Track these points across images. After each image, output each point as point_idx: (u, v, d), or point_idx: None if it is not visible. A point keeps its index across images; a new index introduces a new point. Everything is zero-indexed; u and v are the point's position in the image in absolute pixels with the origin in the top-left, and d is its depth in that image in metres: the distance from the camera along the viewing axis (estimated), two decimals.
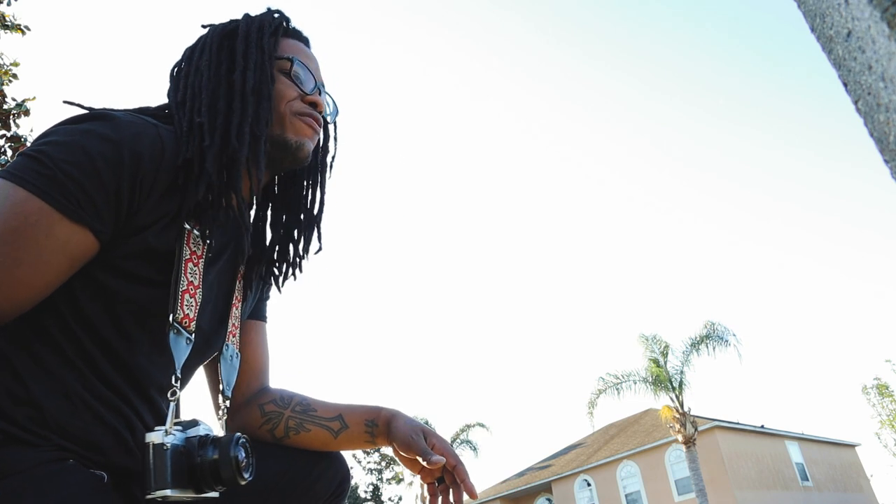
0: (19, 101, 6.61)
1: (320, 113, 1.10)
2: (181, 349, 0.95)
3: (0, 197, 0.81)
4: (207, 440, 0.90)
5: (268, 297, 1.30)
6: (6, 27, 6.72)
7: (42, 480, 0.80)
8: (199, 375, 1.17)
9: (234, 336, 1.14)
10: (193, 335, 0.97)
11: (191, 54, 1.06)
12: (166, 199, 0.92)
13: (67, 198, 0.82)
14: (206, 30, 1.10)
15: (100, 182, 0.84)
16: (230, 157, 0.96)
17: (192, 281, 0.96)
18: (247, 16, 1.10)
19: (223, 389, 1.10)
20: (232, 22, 1.09)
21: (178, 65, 1.08)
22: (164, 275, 0.94)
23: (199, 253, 0.98)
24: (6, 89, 6.57)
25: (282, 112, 1.05)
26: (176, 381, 0.94)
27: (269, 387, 1.24)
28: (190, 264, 0.96)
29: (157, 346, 0.96)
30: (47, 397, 0.86)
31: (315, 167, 1.20)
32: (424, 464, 1.07)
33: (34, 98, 6.72)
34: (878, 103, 0.54)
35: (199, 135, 0.95)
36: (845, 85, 0.62)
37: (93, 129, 0.86)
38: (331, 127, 1.23)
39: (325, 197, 1.22)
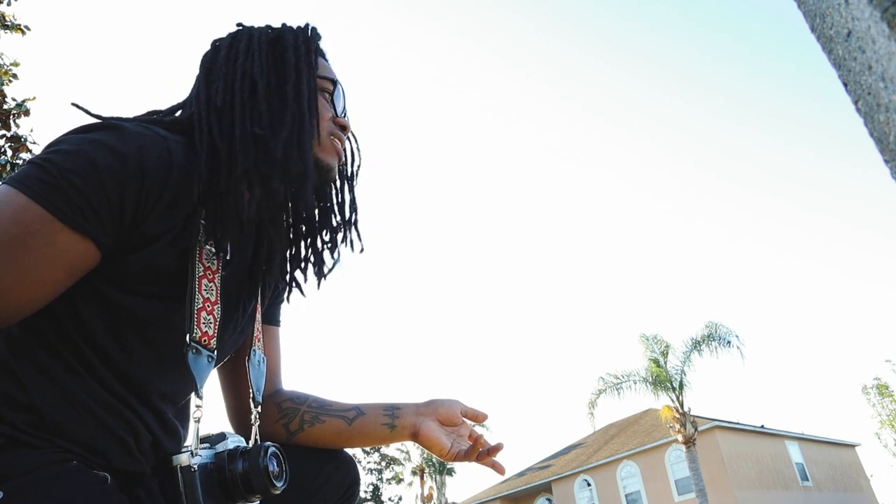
0: (19, 101, 6.62)
1: (347, 135, 1.11)
2: (202, 368, 0.94)
3: (2, 203, 0.81)
4: (237, 453, 0.89)
5: (282, 301, 1.28)
6: (6, 27, 6.72)
7: (46, 482, 0.80)
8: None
9: (258, 340, 1.14)
10: (216, 352, 0.96)
11: (227, 55, 1.02)
12: (172, 214, 0.91)
13: (70, 207, 0.82)
14: (238, 29, 1.07)
15: (104, 193, 0.83)
16: (285, 171, 0.95)
17: (208, 297, 0.95)
18: (289, 27, 1.09)
19: (253, 395, 1.10)
20: (274, 30, 1.07)
21: (208, 64, 1.03)
22: (169, 290, 0.92)
23: (213, 268, 0.96)
24: (6, 89, 6.57)
25: (320, 132, 1.03)
26: (200, 401, 0.93)
27: (283, 388, 1.24)
28: (205, 281, 0.94)
29: (158, 357, 0.94)
30: (49, 403, 0.86)
31: (342, 178, 1.18)
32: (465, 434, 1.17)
33: (34, 98, 6.73)
34: (878, 103, 0.54)
35: (259, 146, 0.94)
36: (845, 85, 0.62)
37: (100, 139, 0.85)
38: (351, 141, 1.21)
39: (357, 202, 1.19)
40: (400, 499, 33.26)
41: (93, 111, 0.92)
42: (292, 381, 1.26)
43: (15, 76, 6.72)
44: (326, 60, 1.13)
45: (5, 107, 6.49)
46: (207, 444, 0.89)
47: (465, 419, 1.19)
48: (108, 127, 0.88)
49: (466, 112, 55.73)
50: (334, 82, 1.10)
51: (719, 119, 48.49)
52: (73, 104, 0.91)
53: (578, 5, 55.27)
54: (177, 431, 1.02)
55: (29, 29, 6.88)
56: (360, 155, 1.22)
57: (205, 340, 0.94)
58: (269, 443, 0.91)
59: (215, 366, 1.05)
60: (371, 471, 32.99)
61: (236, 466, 0.87)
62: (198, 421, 0.91)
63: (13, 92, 6.64)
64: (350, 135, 1.17)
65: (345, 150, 1.12)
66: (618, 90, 48.98)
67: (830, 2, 0.60)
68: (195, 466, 0.83)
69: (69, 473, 0.83)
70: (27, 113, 6.58)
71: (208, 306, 0.95)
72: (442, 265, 55.86)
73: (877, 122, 0.56)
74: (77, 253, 0.83)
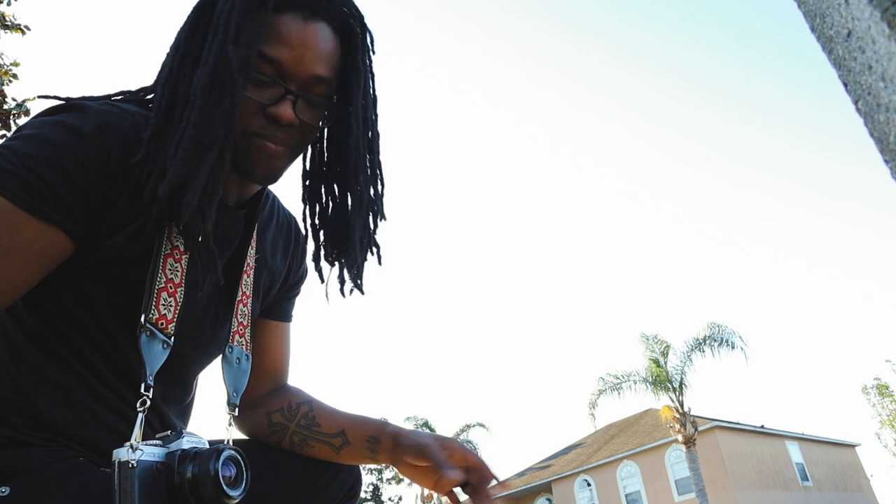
0: (19, 101, 6.61)
1: (287, 125, 0.88)
2: (155, 353, 0.87)
3: None
4: (188, 455, 0.80)
5: (296, 295, 1.23)
6: (6, 27, 6.72)
7: (52, 477, 0.80)
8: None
9: (240, 336, 1.05)
10: (172, 338, 0.89)
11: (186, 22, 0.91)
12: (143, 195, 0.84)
13: (31, 194, 0.77)
14: None
15: (66, 176, 0.78)
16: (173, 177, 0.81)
17: (171, 279, 0.89)
18: None
19: (229, 397, 1.01)
20: None
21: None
22: (141, 277, 0.87)
23: (182, 248, 0.90)
24: (6, 89, 6.57)
25: (237, 129, 0.86)
26: (147, 390, 0.85)
27: (286, 385, 1.19)
28: (170, 260, 0.88)
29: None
30: (48, 406, 0.85)
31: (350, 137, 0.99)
32: (438, 476, 0.98)
33: (34, 98, 6.71)
34: (878, 103, 0.54)
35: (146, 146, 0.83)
36: (845, 85, 0.62)
37: (61, 120, 0.81)
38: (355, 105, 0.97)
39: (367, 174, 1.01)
40: (400, 499, 33.28)
41: (60, 96, 0.86)
42: (296, 381, 1.23)
43: (15, 76, 6.72)
44: (305, 7, 0.88)
45: (5, 107, 6.49)
46: (159, 442, 0.81)
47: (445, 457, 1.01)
48: (71, 108, 0.83)
49: (465, 111, 55.74)
50: (271, 60, 0.86)
51: (719, 119, 48.53)
52: (41, 96, 0.86)
53: (578, 5, 55.30)
54: None
55: (29, 29, 6.88)
56: (362, 120, 0.99)
57: (161, 324, 0.87)
58: (225, 445, 0.82)
59: (193, 356, 1.01)
60: (371, 471, 32.96)
61: (185, 470, 0.78)
62: (143, 411, 0.83)
63: (13, 92, 6.65)
64: (306, 126, 0.93)
65: (282, 150, 0.91)
66: (619, 90, 49.02)
67: (830, 2, 0.60)
68: (134, 462, 0.75)
69: (75, 469, 0.82)
70: (27, 113, 6.57)
71: (170, 287, 0.89)
72: (442, 265, 55.87)
73: (877, 122, 0.56)
74: (45, 243, 0.79)
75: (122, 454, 0.76)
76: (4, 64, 6.69)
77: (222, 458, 0.80)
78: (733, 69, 49.18)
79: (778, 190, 46.77)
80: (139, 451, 0.77)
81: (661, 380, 17.47)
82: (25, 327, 0.87)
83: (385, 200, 1.05)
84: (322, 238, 1.04)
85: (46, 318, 0.87)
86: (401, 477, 31.70)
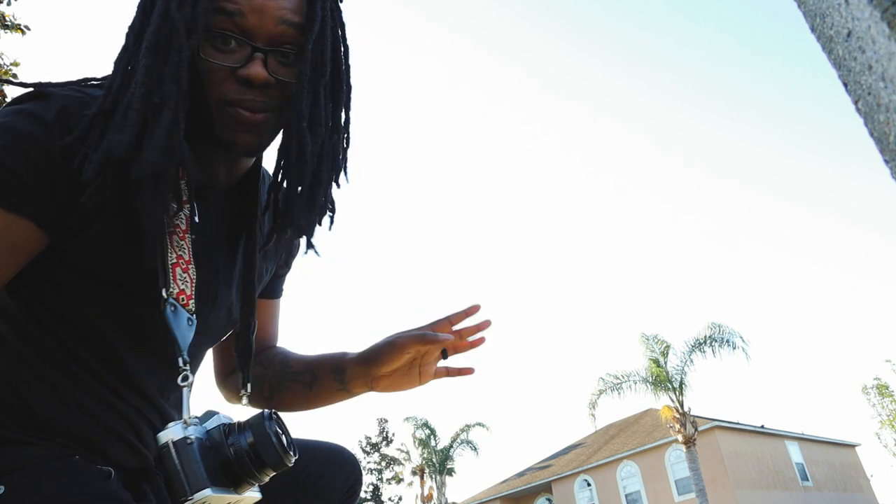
0: None
1: (262, 85, 0.83)
2: (183, 329, 0.84)
3: None
4: (234, 427, 0.79)
5: (286, 272, 1.22)
6: (6, 27, 6.72)
7: (48, 476, 0.79)
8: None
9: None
10: (196, 316, 0.87)
11: None
12: None
13: None
14: None
15: (30, 164, 0.77)
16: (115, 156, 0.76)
17: (181, 255, 0.86)
18: None
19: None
20: None
21: None
22: (131, 267, 0.85)
23: (183, 227, 0.87)
24: (6, 89, 6.57)
25: (211, 100, 0.83)
26: (185, 365, 0.83)
27: (275, 347, 1.21)
28: (175, 237, 0.86)
29: (141, 346, 0.89)
30: (43, 404, 0.84)
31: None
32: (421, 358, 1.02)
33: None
34: (878, 103, 0.54)
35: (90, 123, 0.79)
36: (845, 85, 0.62)
37: (24, 108, 0.80)
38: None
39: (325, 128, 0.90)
40: (400, 499, 33.25)
41: (26, 83, 0.85)
42: None
43: (15, 76, 6.73)
44: None
45: None
46: (197, 421, 0.79)
47: (430, 337, 1.03)
48: (35, 96, 0.82)
49: (465, 111, 55.76)
50: (231, 14, 0.81)
51: (720, 119, 48.54)
52: (4, 80, 0.86)
53: (579, 5, 55.35)
54: None
55: (29, 29, 6.89)
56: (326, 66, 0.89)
57: (182, 299, 0.84)
58: (268, 410, 0.81)
59: (208, 336, 1.00)
60: (371, 471, 32.97)
61: (239, 441, 0.77)
62: (188, 385, 0.81)
63: (13, 92, 6.64)
64: (284, 84, 0.86)
65: (272, 105, 0.85)
66: (619, 90, 49.04)
67: (830, 2, 0.60)
68: (192, 438, 0.73)
69: (71, 468, 0.81)
70: None
71: (182, 264, 0.85)
72: (442, 265, 55.89)
73: (877, 122, 0.56)
74: (14, 235, 0.78)
75: (173, 433, 0.74)
76: (4, 64, 6.69)
77: (273, 421, 0.79)
78: (733, 69, 49.23)
79: (778, 190, 46.81)
80: (192, 427, 0.76)
81: (661, 380, 17.47)
82: (15, 322, 0.86)
83: (348, 155, 0.96)
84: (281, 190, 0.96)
85: (33, 313, 0.86)
86: (401, 477, 31.90)
